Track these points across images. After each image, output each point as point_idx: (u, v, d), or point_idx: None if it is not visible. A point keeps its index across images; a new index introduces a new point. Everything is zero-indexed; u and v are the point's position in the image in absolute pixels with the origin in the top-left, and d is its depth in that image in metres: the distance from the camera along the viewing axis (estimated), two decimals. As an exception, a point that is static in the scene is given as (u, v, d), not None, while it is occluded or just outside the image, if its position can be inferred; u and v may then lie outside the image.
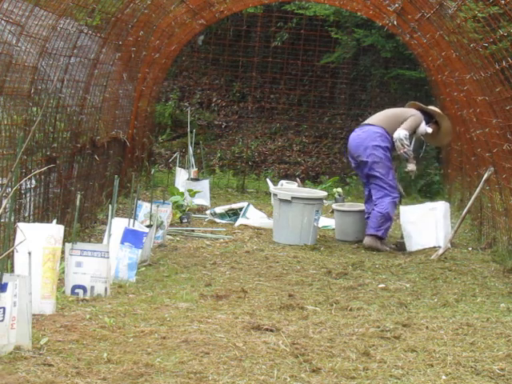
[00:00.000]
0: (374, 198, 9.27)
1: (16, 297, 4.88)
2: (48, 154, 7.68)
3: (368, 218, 9.37)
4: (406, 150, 9.26)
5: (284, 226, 9.26)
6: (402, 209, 9.29)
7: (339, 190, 12.24)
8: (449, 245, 8.79)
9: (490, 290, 7.32)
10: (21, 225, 5.80)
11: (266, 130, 15.97)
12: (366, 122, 9.71)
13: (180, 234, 9.41)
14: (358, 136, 9.41)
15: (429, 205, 9.60)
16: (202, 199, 11.44)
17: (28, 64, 6.91)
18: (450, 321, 6.19)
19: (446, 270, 8.03)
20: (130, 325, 5.68)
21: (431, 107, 9.82)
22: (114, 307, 6.11)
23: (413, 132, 9.43)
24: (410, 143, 9.42)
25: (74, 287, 6.37)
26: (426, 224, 9.11)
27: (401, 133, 9.26)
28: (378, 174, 9.19)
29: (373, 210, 9.21)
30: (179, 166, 12.56)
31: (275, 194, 9.51)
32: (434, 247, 8.97)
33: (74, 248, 6.37)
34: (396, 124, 9.36)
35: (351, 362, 5.13)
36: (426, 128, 9.45)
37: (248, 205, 10.56)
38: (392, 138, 9.29)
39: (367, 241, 9.17)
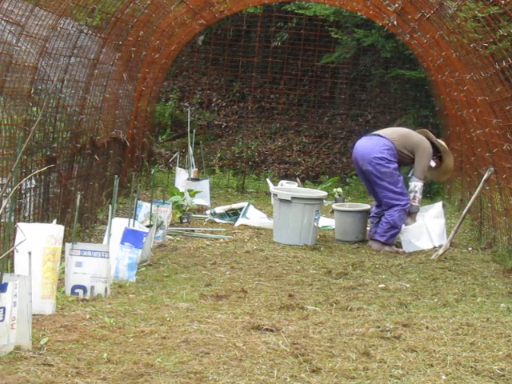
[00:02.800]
0: (383, 206, 9.26)
1: (16, 297, 4.88)
2: (48, 153, 7.68)
3: (373, 217, 9.41)
4: (415, 205, 9.26)
5: (284, 226, 9.26)
6: None
7: (339, 189, 12.24)
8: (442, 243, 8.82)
9: (490, 290, 7.32)
10: (21, 225, 5.81)
11: (266, 130, 15.97)
12: (375, 132, 9.65)
13: (180, 234, 9.41)
14: (364, 144, 9.35)
15: (424, 208, 9.58)
16: (202, 199, 11.44)
17: (28, 64, 6.91)
18: (450, 321, 6.19)
19: (446, 270, 8.04)
20: (130, 325, 5.69)
21: (440, 141, 9.69)
22: (114, 307, 6.11)
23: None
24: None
25: (74, 287, 6.37)
26: (421, 228, 9.13)
27: (418, 185, 9.26)
28: (386, 184, 9.13)
29: (383, 215, 9.24)
30: (179, 166, 12.56)
31: (275, 194, 9.51)
32: (434, 247, 8.99)
33: (74, 248, 6.37)
34: (405, 145, 9.28)
35: (351, 362, 5.13)
36: (430, 162, 9.42)
37: (248, 205, 10.55)
38: (399, 153, 9.24)
39: (373, 245, 9.25)
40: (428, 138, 9.45)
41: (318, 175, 15.16)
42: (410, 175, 9.47)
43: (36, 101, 7.24)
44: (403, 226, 9.22)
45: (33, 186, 7.37)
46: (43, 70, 7.42)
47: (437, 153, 9.48)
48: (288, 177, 14.61)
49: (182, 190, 10.92)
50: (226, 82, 16.41)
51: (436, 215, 9.26)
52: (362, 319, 6.14)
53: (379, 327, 5.90)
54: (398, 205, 9.13)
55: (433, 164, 9.42)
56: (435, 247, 8.98)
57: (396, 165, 9.20)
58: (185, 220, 10.14)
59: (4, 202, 5.57)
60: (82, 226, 8.78)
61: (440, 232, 9.15)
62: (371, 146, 9.27)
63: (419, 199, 9.31)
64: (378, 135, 9.41)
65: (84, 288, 6.36)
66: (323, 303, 6.63)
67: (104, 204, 9.94)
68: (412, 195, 9.27)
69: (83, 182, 8.89)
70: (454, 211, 11.60)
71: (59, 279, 6.29)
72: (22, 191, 7.07)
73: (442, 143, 9.64)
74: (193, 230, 9.71)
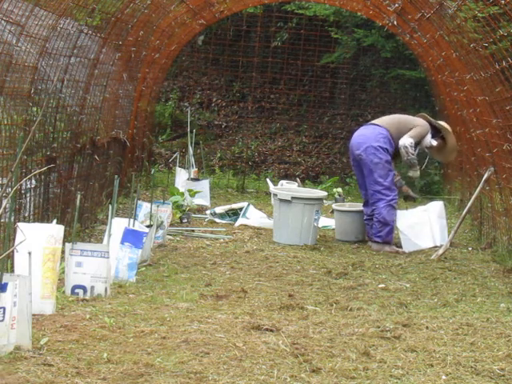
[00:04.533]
0: (370, 201, 9.30)
1: (16, 297, 4.88)
2: (48, 153, 7.68)
3: (366, 219, 9.41)
4: (410, 157, 9.25)
5: (284, 226, 9.26)
6: (398, 213, 9.28)
7: (339, 190, 12.25)
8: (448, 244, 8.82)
9: (490, 290, 7.32)
10: (21, 225, 5.81)
11: (266, 130, 15.97)
12: (371, 122, 9.73)
13: (180, 234, 9.41)
14: (361, 134, 9.43)
15: (422, 207, 9.57)
16: (202, 199, 11.44)
17: (28, 64, 6.91)
18: (450, 321, 6.19)
19: (445, 270, 8.04)
20: (130, 325, 5.69)
21: (440, 122, 9.75)
22: (114, 307, 6.11)
23: (418, 141, 9.37)
24: (415, 151, 9.40)
25: (74, 287, 6.37)
26: (422, 226, 9.13)
27: (406, 141, 9.25)
28: (376, 176, 9.18)
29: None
30: (179, 166, 12.56)
31: (275, 194, 9.51)
32: (435, 247, 8.99)
33: (74, 248, 6.37)
34: (402, 130, 9.34)
35: (351, 362, 5.13)
36: (431, 141, 9.41)
37: (248, 205, 10.55)
38: (395, 141, 9.29)
39: (373, 246, 9.25)
40: (427, 121, 9.52)
41: (318, 175, 15.16)
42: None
43: (36, 101, 7.24)
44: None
45: (33, 186, 7.36)
46: (43, 69, 7.42)
47: (438, 133, 9.51)
48: (288, 177, 14.61)
49: (181, 189, 10.92)
50: (226, 82, 16.41)
51: (439, 214, 9.25)
52: (361, 319, 6.13)
53: (379, 327, 5.90)
54: (383, 199, 9.15)
55: (434, 143, 9.43)
56: (436, 246, 8.98)
57: (389, 157, 9.23)
58: (185, 220, 10.13)
59: (4, 202, 5.57)
60: (82, 226, 8.78)
61: (442, 231, 9.14)
62: (367, 134, 9.35)
63: (412, 153, 9.22)
64: (374, 124, 9.48)
65: (84, 288, 6.36)
66: (323, 303, 6.63)
67: (104, 204, 9.94)
68: (403, 151, 9.21)
69: (83, 182, 8.89)
70: (453, 211, 11.59)
71: (59, 279, 6.29)
72: (22, 191, 7.07)
73: (443, 123, 9.68)
74: (193, 230, 9.71)
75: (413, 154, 9.26)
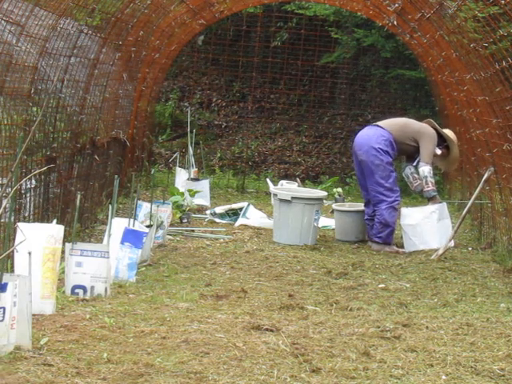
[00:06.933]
0: (372, 202, 9.29)
1: (16, 297, 4.88)
2: (48, 153, 7.68)
3: (367, 219, 9.40)
4: (430, 188, 9.20)
5: (284, 226, 9.26)
6: (403, 211, 9.26)
7: (339, 190, 12.24)
8: (451, 243, 8.79)
9: (490, 290, 7.32)
10: (21, 225, 5.81)
11: (266, 130, 15.97)
12: (377, 123, 9.66)
13: (180, 234, 9.41)
14: (365, 133, 9.38)
15: (428, 208, 9.50)
16: (202, 199, 11.44)
17: (28, 64, 6.91)
18: (450, 321, 6.19)
19: (445, 270, 8.03)
20: (130, 325, 5.69)
21: (445, 130, 9.66)
22: (114, 307, 6.11)
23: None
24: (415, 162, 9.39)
25: (74, 287, 6.37)
26: (425, 227, 9.10)
27: (425, 169, 9.18)
28: (377, 178, 9.15)
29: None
30: (179, 166, 12.57)
31: (275, 194, 9.51)
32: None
33: (74, 248, 6.37)
34: (406, 135, 9.26)
35: (351, 362, 5.13)
36: (435, 149, 9.37)
37: (248, 205, 10.55)
38: (398, 146, 9.25)
39: (372, 246, 9.25)
40: (433, 128, 9.44)
41: (318, 175, 15.16)
42: (414, 164, 9.43)
43: (36, 101, 7.24)
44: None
45: (33, 186, 7.36)
46: (43, 69, 7.42)
47: (443, 142, 9.47)
48: (288, 177, 14.60)
49: (182, 190, 10.92)
50: (226, 82, 16.41)
51: (442, 216, 9.22)
52: (361, 319, 6.13)
53: (379, 327, 5.90)
54: (385, 201, 9.12)
55: (438, 152, 9.37)
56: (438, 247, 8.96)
57: (390, 158, 9.19)
58: (185, 220, 10.13)
59: (4, 202, 5.57)
60: (82, 226, 8.78)
61: (446, 232, 9.08)
62: (370, 135, 9.30)
63: (432, 183, 9.22)
64: (378, 126, 9.44)
65: (84, 288, 6.36)
66: (323, 303, 6.63)
67: (104, 204, 9.94)
68: (424, 181, 9.22)
69: (83, 182, 8.89)
70: (454, 211, 11.59)
71: (59, 279, 6.29)
72: (22, 191, 7.07)
73: (448, 132, 9.63)
74: (193, 230, 9.71)
75: (433, 184, 9.22)
